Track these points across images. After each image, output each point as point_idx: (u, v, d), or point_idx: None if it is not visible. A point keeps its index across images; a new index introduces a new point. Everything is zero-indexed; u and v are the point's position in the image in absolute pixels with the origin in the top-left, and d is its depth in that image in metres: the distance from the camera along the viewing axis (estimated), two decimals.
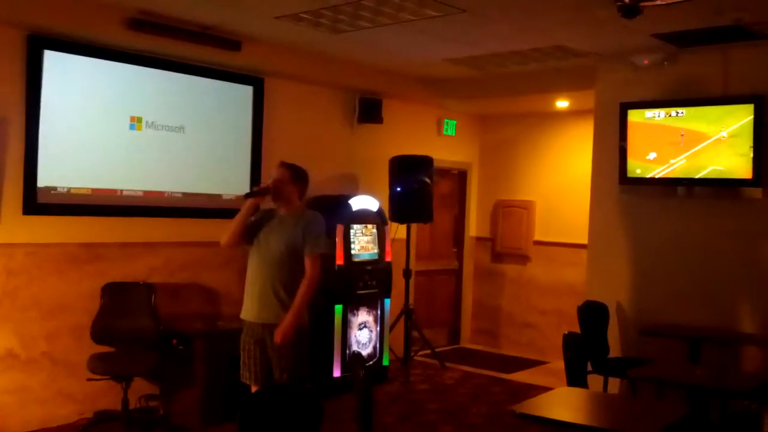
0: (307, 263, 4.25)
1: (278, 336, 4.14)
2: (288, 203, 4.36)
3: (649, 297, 6.19)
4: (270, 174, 4.44)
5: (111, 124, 5.59)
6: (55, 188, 5.27)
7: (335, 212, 6.56)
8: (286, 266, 4.25)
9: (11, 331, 5.10)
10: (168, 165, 5.92)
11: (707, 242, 5.90)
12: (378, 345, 6.88)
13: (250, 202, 4.30)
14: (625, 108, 6.18)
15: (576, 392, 4.38)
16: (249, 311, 4.33)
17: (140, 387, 5.40)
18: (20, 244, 5.13)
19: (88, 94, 5.45)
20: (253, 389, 4.23)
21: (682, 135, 5.93)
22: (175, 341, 5.48)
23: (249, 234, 4.33)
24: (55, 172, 5.28)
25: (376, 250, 6.86)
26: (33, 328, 5.20)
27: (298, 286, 4.22)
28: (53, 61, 5.23)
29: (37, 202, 5.19)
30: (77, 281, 5.37)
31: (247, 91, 6.49)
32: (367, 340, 6.76)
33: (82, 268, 5.40)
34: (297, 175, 4.40)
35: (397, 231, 7.34)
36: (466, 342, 9.13)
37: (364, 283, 6.69)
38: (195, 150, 6.14)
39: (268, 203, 4.42)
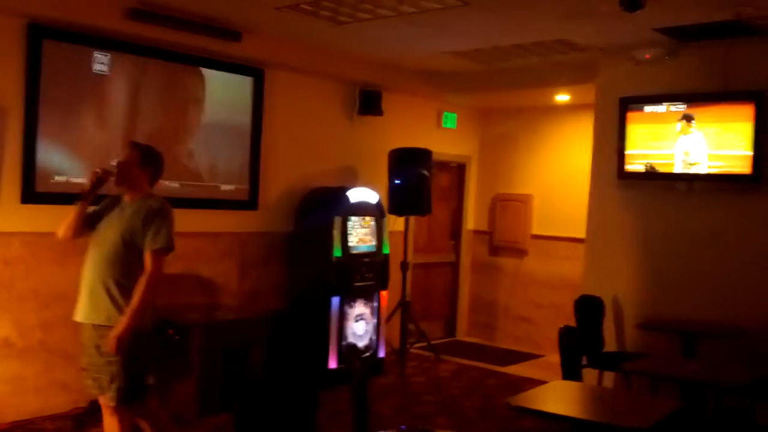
0: (146, 259, 3.76)
1: (111, 342, 3.64)
2: (133, 189, 3.88)
3: (646, 291, 6.20)
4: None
5: (110, 113, 5.58)
6: (53, 177, 5.27)
7: (334, 204, 6.57)
8: (121, 261, 3.76)
9: (7, 320, 5.11)
10: (166, 155, 5.89)
11: (705, 237, 5.91)
12: (374, 337, 6.89)
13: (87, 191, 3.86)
14: (625, 103, 6.18)
15: (571, 386, 4.39)
16: (79, 311, 3.85)
17: None
18: (18, 233, 5.13)
19: (88, 83, 5.44)
20: (100, 399, 3.87)
21: (681, 130, 5.93)
22: (171, 331, 5.49)
23: (89, 224, 3.89)
24: (54, 161, 5.27)
25: (373, 243, 6.86)
26: (29, 318, 5.21)
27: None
28: (53, 51, 5.21)
29: (35, 191, 5.19)
30: (75, 271, 5.28)
31: (247, 81, 6.48)
32: (363, 332, 6.77)
33: (79, 257, 5.36)
34: (147, 157, 3.94)
35: (395, 223, 7.34)
36: (463, 335, 9.15)
37: (361, 275, 6.68)
38: (194, 140, 6.13)
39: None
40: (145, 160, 3.93)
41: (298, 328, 6.53)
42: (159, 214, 3.83)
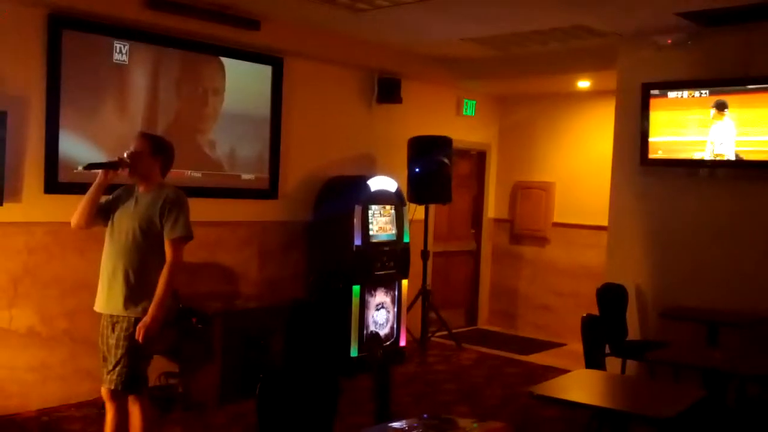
0: (167, 249, 3.82)
1: (140, 333, 3.72)
2: (146, 179, 3.91)
3: (669, 280, 6.15)
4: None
5: (131, 102, 5.62)
6: (76, 167, 5.30)
7: (353, 193, 6.57)
8: (140, 251, 3.81)
9: (32, 309, 5.17)
10: (187, 145, 5.93)
11: (728, 224, 5.84)
12: (395, 326, 6.90)
13: (100, 177, 3.85)
14: (647, 88, 6.11)
15: (594, 374, 4.37)
16: (98, 301, 3.92)
17: (159, 365, 5.44)
18: (41, 223, 5.18)
19: (108, 73, 5.47)
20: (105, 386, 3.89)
21: (705, 117, 5.85)
22: (194, 320, 5.52)
23: (103, 214, 3.92)
24: (77, 151, 5.30)
25: (394, 231, 6.85)
26: (53, 306, 5.27)
27: (157, 274, 3.80)
28: (73, 41, 5.24)
29: (58, 181, 5.24)
30: (97, 259, 5.34)
31: (267, 70, 6.48)
32: (384, 320, 6.78)
33: (102, 246, 5.43)
34: (158, 147, 3.96)
35: (416, 212, 7.32)
36: (483, 323, 9.14)
37: (382, 264, 6.69)
38: (214, 130, 6.15)
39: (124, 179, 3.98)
40: (156, 150, 3.96)
41: (318, 316, 6.55)
42: (176, 203, 3.87)
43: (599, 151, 7.65)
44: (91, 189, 3.89)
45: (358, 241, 6.47)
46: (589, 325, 4.96)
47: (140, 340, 3.74)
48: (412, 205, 7.24)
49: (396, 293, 6.90)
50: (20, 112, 5.07)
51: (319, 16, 5.99)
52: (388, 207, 6.83)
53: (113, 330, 3.84)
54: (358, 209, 6.49)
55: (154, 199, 3.87)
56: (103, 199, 3.98)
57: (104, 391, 3.92)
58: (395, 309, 6.90)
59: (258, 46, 6.28)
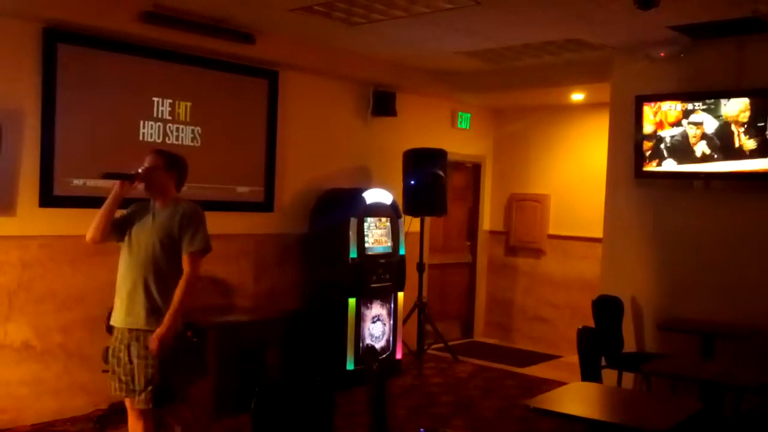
0: (184, 261, 3.87)
1: (154, 342, 3.75)
2: (162, 194, 3.96)
3: (664, 291, 6.15)
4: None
5: (126, 116, 5.62)
6: (71, 181, 5.30)
7: (349, 205, 6.57)
8: (159, 265, 3.85)
9: (26, 323, 5.15)
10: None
11: (723, 236, 5.86)
12: (391, 338, 6.89)
13: (116, 189, 3.86)
14: (640, 101, 6.14)
15: (590, 387, 4.36)
16: (116, 316, 3.94)
17: None
18: (35, 237, 5.16)
19: (103, 87, 5.47)
20: (127, 401, 3.95)
21: (697, 128, 5.88)
22: (189, 333, 5.49)
23: (117, 229, 3.94)
24: (72, 164, 5.30)
25: (389, 244, 6.85)
26: (48, 320, 5.24)
27: (176, 287, 3.85)
28: (68, 54, 5.24)
29: (53, 194, 5.23)
30: (92, 273, 5.39)
31: (262, 84, 6.50)
32: (380, 333, 6.76)
33: (96, 260, 5.42)
34: (171, 162, 4.01)
35: (411, 224, 7.33)
36: (479, 336, 9.12)
37: (378, 277, 6.68)
38: (210, 143, 6.15)
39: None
40: (170, 165, 4.00)
41: (314, 329, 6.54)
42: (194, 217, 3.93)
43: (594, 163, 7.68)
44: (108, 201, 3.90)
45: (353, 254, 6.46)
46: (584, 337, 4.96)
47: (154, 349, 3.76)
48: (408, 218, 7.24)
49: (392, 306, 6.89)
50: (15, 126, 5.07)
51: (314, 29, 6.01)
52: (383, 219, 6.83)
53: (130, 346, 3.85)
54: (353, 222, 6.49)
55: (172, 213, 3.91)
56: (117, 214, 3.98)
57: (133, 410, 3.95)
58: (391, 321, 6.89)
59: (253, 60, 6.30)
